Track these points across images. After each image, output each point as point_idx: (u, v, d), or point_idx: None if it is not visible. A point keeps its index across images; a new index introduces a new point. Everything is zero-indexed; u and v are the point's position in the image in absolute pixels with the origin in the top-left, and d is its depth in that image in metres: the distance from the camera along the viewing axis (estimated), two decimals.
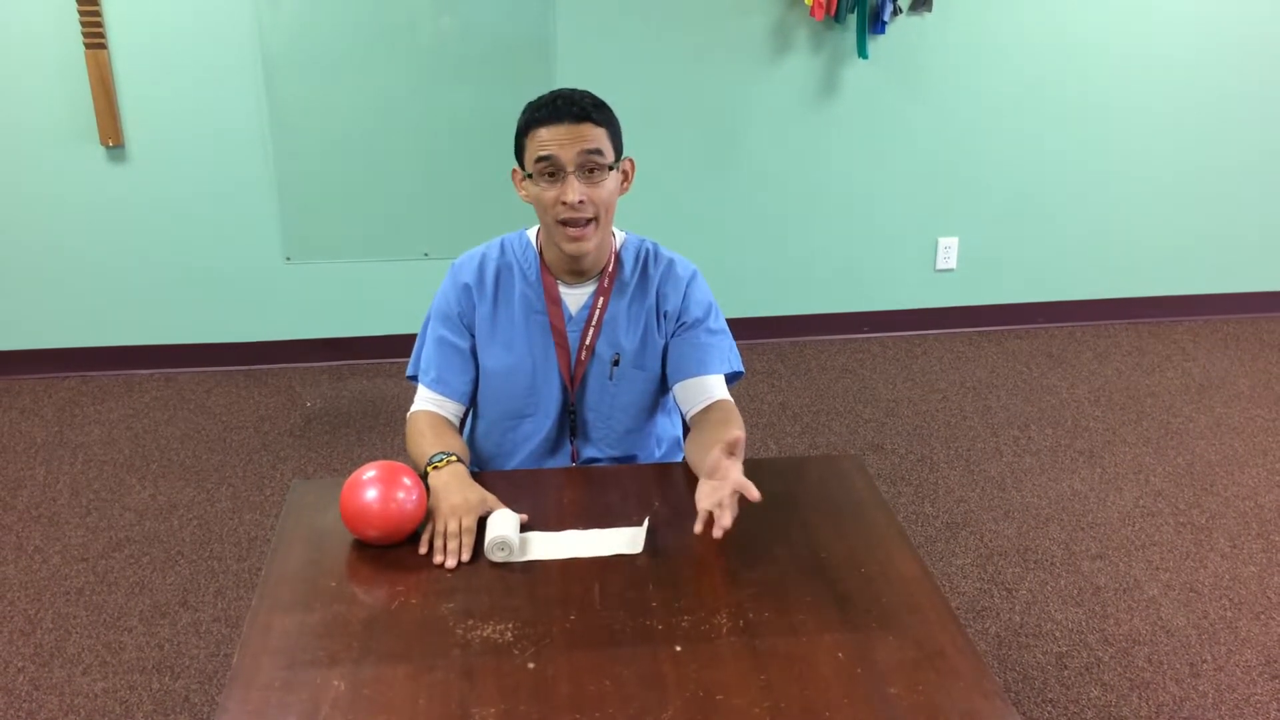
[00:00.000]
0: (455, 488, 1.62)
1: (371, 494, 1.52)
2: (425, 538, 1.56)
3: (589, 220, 1.73)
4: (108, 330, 3.82)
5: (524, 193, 1.78)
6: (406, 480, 1.55)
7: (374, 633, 1.38)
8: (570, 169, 1.69)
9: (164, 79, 3.53)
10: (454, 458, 1.69)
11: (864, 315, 4.23)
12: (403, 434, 1.87)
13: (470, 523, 1.56)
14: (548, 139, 1.69)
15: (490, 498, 1.62)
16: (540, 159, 1.70)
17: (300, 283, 3.84)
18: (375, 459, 1.62)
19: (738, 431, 1.54)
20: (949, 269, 4.20)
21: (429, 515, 1.59)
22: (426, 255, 3.83)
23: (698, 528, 1.53)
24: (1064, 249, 4.23)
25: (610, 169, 1.73)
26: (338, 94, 3.61)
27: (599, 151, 1.70)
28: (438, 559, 1.52)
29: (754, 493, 1.48)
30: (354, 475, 1.56)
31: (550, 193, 1.71)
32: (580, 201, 1.69)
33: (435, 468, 1.67)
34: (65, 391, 3.74)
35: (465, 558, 1.52)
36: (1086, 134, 4.06)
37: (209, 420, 3.54)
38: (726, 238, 4.01)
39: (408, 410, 1.89)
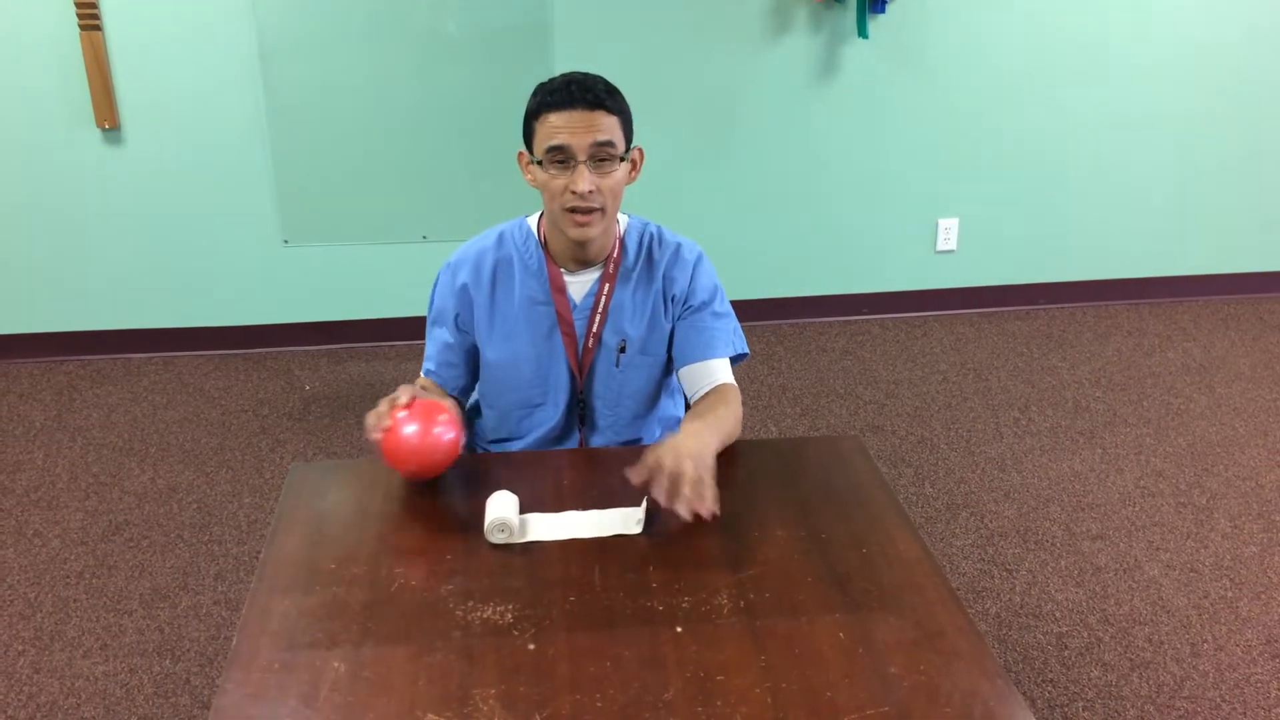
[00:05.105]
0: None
1: (410, 429, 1.57)
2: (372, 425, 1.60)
3: (596, 209, 1.71)
4: (105, 314, 3.81)
5: (530, 176, 1.76)
6: (443, 416, 1.60)
7: (373, 615, 1.37)
8: (581, 158, 1.67)
9: (160, 61, 3.51)
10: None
11: (864, 297, 4.22)
12: None
13: (394, 397, 1.59)
14: (560, 126, 1.66)
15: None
16: (551, 147, 1.67)
17: (298, 266, 3.83)
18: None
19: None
20: (949, 250, 4.18)
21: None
22: (425, 238, 3.81)
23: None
24: (1064, 230, 4.22)
25: (621, 160, 1.71)
26: (335, 76, 3.58)
27: (611, 142, 1.68)
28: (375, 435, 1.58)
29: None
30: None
31: (559, 180, 1.69)
32: (590, 191, 1.68)
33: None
34: (63, 375, 3.73)
35: (380, 423, 1.57)
36: (1087, 114, 4.04)
37: (208, 404, 3.54)
38: (725, 219, 4.00)
39: None
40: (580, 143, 1.66)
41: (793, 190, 4.00)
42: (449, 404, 1.65)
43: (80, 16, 3.39)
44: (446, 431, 1.59)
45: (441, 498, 1.66)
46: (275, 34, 3.51)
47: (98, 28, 3.42)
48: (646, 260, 1.86)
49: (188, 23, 3.47)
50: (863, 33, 3.74)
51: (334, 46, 3.55)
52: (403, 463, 1.59)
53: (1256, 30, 4.00)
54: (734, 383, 1.85)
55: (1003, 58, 3.91)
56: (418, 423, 1.57)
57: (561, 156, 1.67)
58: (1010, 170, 4.09)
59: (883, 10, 3.73)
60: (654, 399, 1.94)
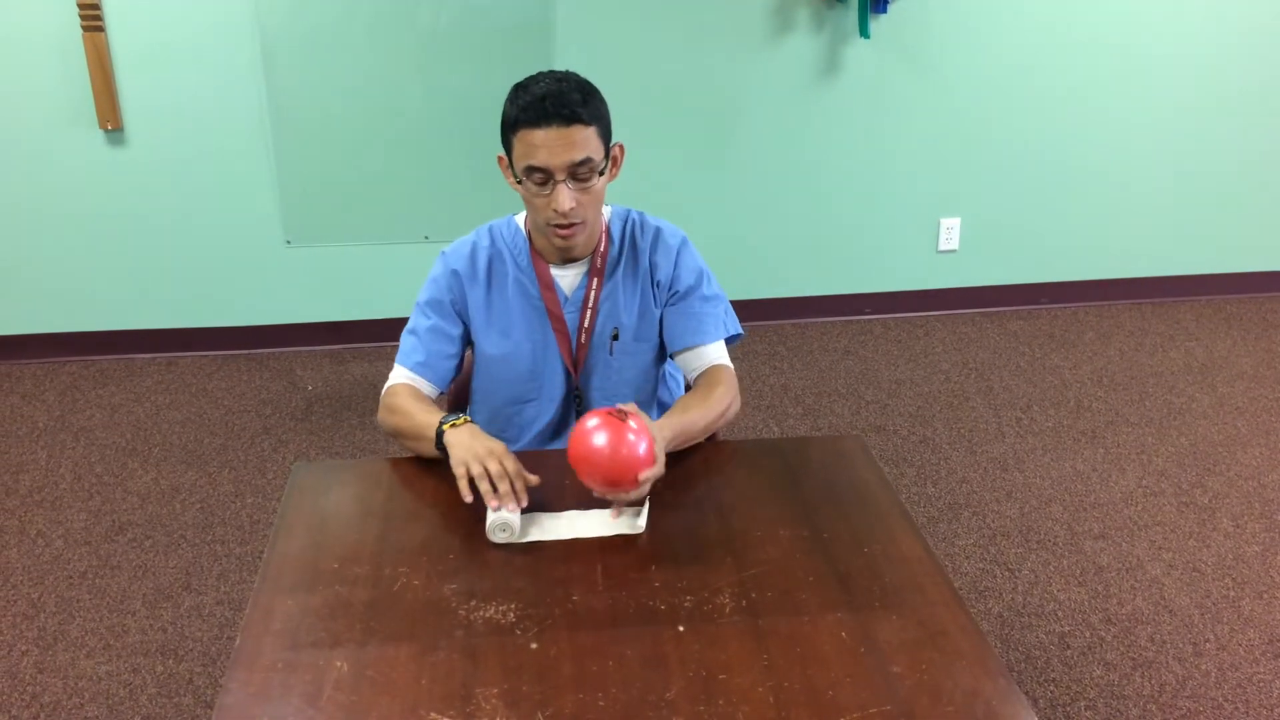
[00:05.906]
0: (480, 437, 1.60)
1: (601, 439, 1.49)
2: (464, 486, 1.54)
3: (578, 223, 1.72)
4: (108, 315, 3.82)
5: (511, 180, 1.75)
6: (634, 424, 1.51)
7: (376, 614, 1.38)
8: (561, 177, 1.66)
9: (162, 62, 3.51)
10: (466, 418, 1.67)
11: (866, 296, 4.22)
12: None
13: (512, 464, 1.55)
14: (537, 144, 1.64)
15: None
16: (530, 168, 1.66)
17: (301, 266, 3.83)
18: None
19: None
20: (951, 250, 4.18)
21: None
22: (427, 238, 3.82)
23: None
24: (1067, 229, 4.22)
25: (600, 174, 1.71)
26: (337, 77, 3.59)
27: (589, 159, 1.66)
28: (494, 504, 1.52)
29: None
30: (580, 423, 1.53)
31: (540, 199, 1.69)
32: (572, 209, 1.68)
33: (454, 425, 1.64)
34: (67, 376, 3.73)
35: (524, 503, 1.54)
36: (1089, 114, 4.04)
37: (210, 404, 3.54)
38: (727, 219, 4.00)
39: None
40: (559, 162, 1.65)
41: (794, 190, 4.00)
42: (632, 408, 1.56)
43: (83, 18, 3.39)
44: (640, 442, 1.49)
45: (443, 497, 1.66)
46: (278, 35, 3.51)
47: (100, 29, 3.42)
48: (631, 248, 1.87)
49: (191, 24, 3.48)
50: (864, 32, 3.74)
51: (337, 47, 3.55)
52: (589, 474, 1.51)
53: (1257, 30, 3.99)
54: (728, 364, 1.86)
55: (1004, 57, 3.91)
56: (608, 433, 1.49)
57: (541, 178, 1.67)
58: (1012, 170, 4.09)
59: (885, 10, 3.73)
60: (649, 387, 1.95)
